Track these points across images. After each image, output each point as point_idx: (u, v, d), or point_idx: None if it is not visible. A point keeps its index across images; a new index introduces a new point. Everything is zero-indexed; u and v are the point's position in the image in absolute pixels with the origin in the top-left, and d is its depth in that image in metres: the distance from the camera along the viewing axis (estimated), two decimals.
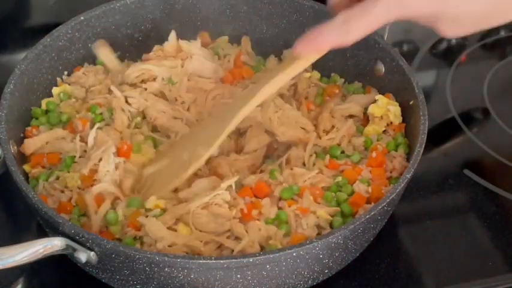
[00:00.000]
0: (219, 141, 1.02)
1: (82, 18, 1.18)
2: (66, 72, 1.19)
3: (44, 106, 1.14)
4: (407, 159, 1.07)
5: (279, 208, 1.01)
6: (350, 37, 0.88)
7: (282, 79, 1.00)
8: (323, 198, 1.02)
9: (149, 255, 0.88)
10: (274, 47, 1.27)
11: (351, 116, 1.15)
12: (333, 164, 1.07)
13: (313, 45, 0.92)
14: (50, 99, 1.15)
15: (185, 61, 1.18)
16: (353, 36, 0.88)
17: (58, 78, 1.18)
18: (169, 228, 0.97)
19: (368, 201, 1.02)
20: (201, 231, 0.97)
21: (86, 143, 1.07)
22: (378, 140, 1.10)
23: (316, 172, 1.05)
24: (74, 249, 0.90)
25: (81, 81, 1.18)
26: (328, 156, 1.08)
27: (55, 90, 1.16)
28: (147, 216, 0.98)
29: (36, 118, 1.12)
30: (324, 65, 1.22)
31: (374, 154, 1.07)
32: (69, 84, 1.17)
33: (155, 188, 1.03)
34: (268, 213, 0.99)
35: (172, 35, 1.20)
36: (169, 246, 0.95)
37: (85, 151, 1.07)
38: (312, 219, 0.99)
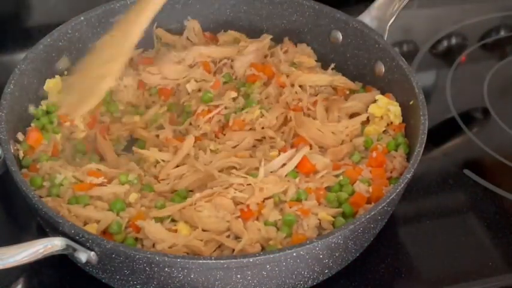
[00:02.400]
0: (124, 58, 1.09)
1: (82, 18, 1.18)
2: (66, 72, 1.19)
3: (44, 107, 1.14)
4: (408, 159, 1.07)
5: (280, 209, 1.01)
6: None
7: None
8: (326, 199, 1.03)
9: (149, 255, 0.88)
10: (274, 46, 1.27)
11: (353, 115, 1.15)
12: (335, 164, 1.08)
13: None
14: (49, 101, 1.15)
15: None
16: None
17: (58, 77, 1.17)
18: (168, 229, 0.97)
19: (368, 201, 1.02)
20: (201, 229, 0.97)
21: None
22: (378, 140, 1.10)
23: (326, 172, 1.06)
24: (74, 249, 0.90)
25: None
26: None
27: (49, 83, 1.15)
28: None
29: (37, 119, 1.12)
30: (325, 65, 1.23)
31: (374, 154, 1.07)
32: None
33: (69, 103, 1.08)
34: (268, 215, 1.00)
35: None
36: (169, 248, 0.95)
37: None
38: (313, 221, 0.99)
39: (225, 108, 1.15)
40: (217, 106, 1.15)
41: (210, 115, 1.14)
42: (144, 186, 1.05)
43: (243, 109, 1.14)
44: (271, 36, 1.25)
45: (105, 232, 0.98)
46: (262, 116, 1.13)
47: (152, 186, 1.05)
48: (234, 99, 1.17)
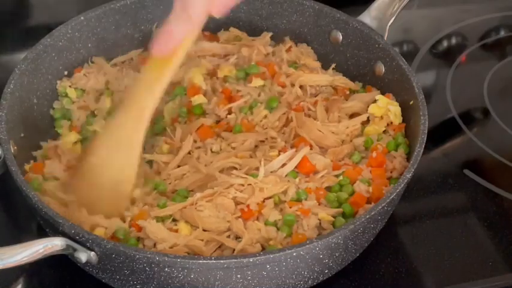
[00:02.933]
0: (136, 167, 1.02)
1: (82, 18, 1.18)
2: (66, 73, 1.19)
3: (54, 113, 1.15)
4: (408, 159, 1.07)
5: (280, 209, 1.01)
6: (195, 20, 0.95)
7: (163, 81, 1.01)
8: (326, 199, 1.03)
9: (149, 255, 0.88)
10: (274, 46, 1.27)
11: (353, 115, 1.15)
12: (335, 164, 1.08)
13: (171, 41, 0.97)
14: (57, 106, 1.16)
15: None
16: (196, 17, 0.94)
17: (59, 81, 1.17)
18: (170, 229, 0.97)
19: (368, 201, 1.02)
20: (201, 229, 0.97)
21: None
22: (378, 140, 1.10)
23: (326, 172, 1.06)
24: (74, 249, 0.90)
25: (81, 82, 1.18)
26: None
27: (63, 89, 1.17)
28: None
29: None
30: (325, 65, 1.23)
31: (374, 154, 1.07)
32: (70, 86, 1.17)
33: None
34: (268, 215, 1.00)
35: None
36: (170, 247, 0.95)
37: None
38: (313, 221, 0.99)
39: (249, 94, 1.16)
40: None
41: (233, 104, 1.14)
42: (150, 183, 1.05)
43: (251, 108, 1.14)
44: (270, 34, 1.25)
45: (112, 237, 0.98)
46: (265, 116, 1.13)
47: (157, 184, 1.05)
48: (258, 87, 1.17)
